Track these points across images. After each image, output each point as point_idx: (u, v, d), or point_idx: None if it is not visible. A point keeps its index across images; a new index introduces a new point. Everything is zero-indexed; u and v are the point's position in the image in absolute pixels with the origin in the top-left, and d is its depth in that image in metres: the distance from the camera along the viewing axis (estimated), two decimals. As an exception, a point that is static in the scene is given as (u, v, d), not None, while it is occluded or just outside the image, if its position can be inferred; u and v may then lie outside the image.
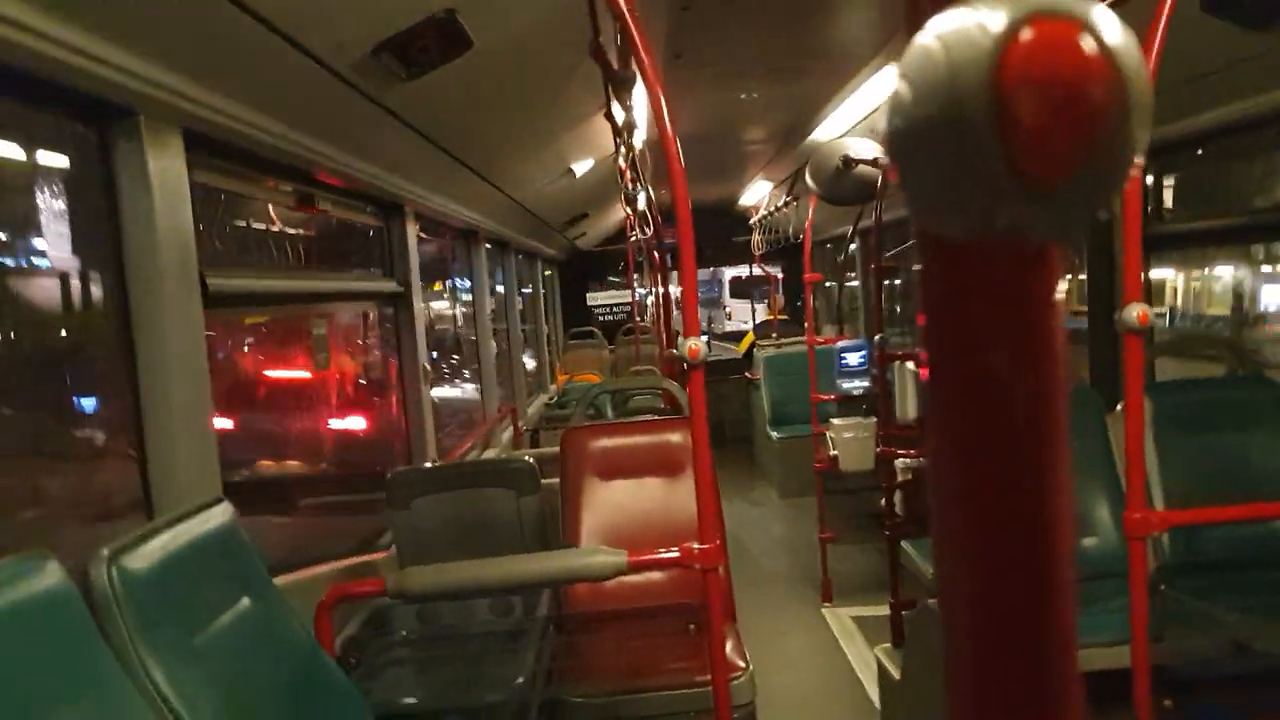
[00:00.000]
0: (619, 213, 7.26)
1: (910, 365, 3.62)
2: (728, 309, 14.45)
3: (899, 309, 7.47)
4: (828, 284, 9.43)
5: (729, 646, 2.52)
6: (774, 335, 7.93)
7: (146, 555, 1.50)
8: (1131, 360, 1.87)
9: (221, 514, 1.77)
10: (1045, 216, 0.28)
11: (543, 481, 2.91)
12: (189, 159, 1.93)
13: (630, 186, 4.68)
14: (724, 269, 12.67)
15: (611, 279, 10.15)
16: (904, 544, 3.51)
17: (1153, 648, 2.20)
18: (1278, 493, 2.63)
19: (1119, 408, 3.00)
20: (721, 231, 10.01)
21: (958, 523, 0.35)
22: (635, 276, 7.69)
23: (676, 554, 1.96)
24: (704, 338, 1.84)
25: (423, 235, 4.65)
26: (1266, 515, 2.25)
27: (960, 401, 0.34)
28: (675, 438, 3.03)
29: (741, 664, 2.43)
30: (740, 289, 12.26)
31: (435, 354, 5.31)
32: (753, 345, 8.32)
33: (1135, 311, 1.81)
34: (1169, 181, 3.67)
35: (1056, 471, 0.34)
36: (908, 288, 6.31)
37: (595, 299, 10.20)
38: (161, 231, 1.81)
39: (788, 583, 5.53)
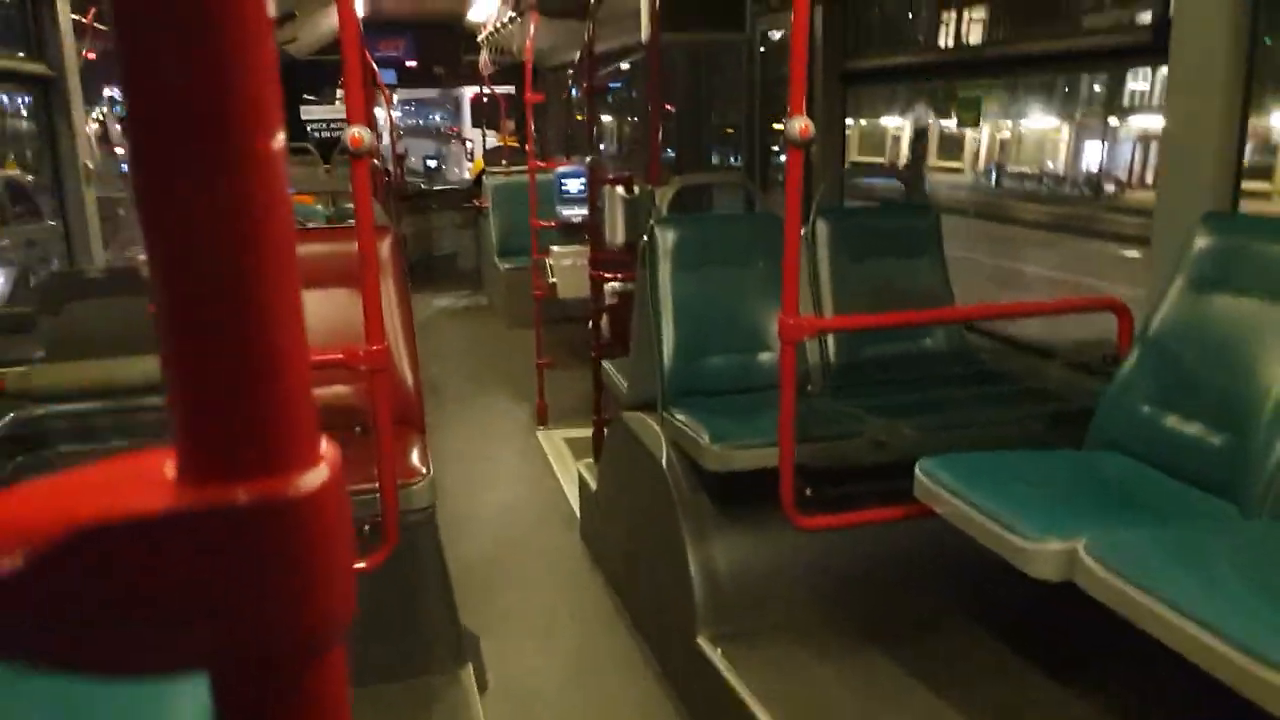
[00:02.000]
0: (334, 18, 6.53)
1: (620, 190, 3.61)
2: (469, 144, 13.23)
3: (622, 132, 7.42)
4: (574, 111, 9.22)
5: (414, 454, 2.49)
6: (504, 162, 7.70)
7: None
8: (791, 171, 1.93)
9: None
10: None
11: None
12: None
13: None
14: (464, 90, 11.91)
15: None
16: (605, 364, 3.60)
17: (807, 447, 2.43)
18: (928, 309, 2.94)
19: (803, 231, 3.18)
20: (453, 50, 9.38)
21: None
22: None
23: (340, 355, 1.87)
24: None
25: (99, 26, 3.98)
26: (900, 322, 2.48)
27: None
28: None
29: (423, 470, 2.40)
30: (481, 115, 11.60)
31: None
32: (482, 173, 8.04)
33: (798, 124, 1.86)
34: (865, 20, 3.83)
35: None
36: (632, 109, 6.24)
37: (310, 114, 9.34)
38: None
39: (508, 409, 5.61)
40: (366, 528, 2.11)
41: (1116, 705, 2.04)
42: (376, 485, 2.03)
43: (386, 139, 7.94)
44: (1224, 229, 2.10)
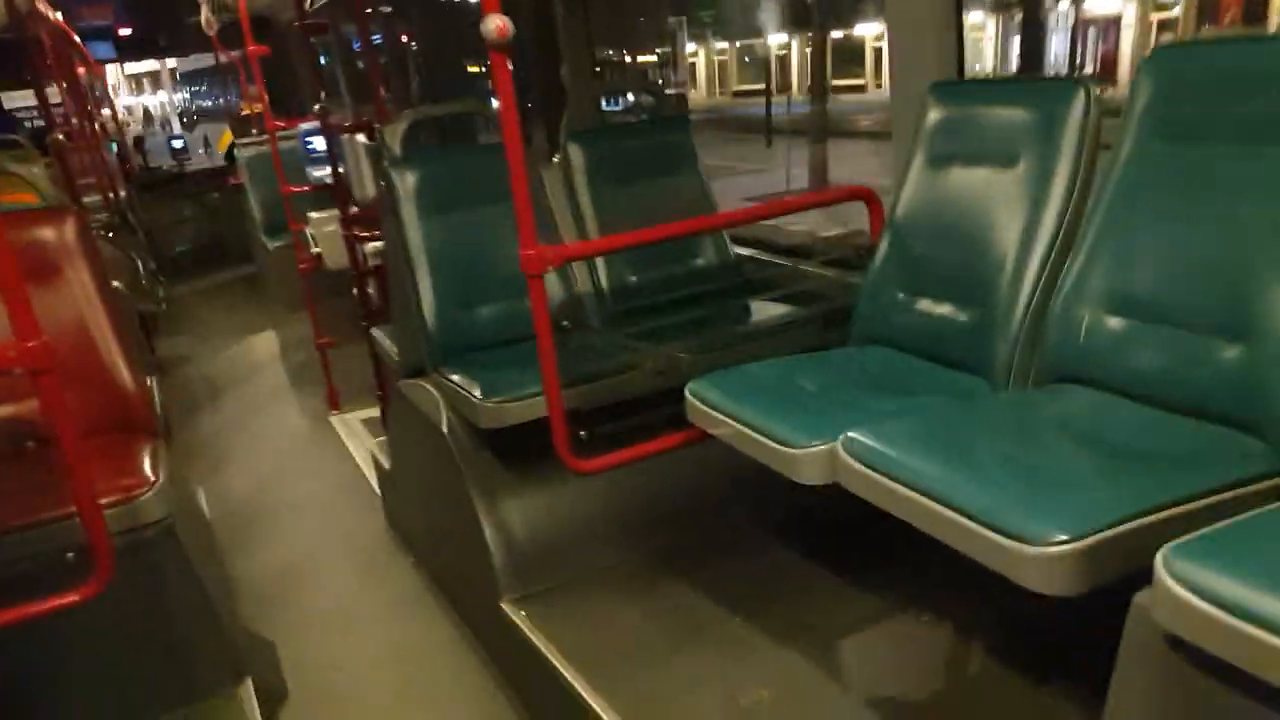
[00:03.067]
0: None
1: (361, 137, 3.30)
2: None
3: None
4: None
5: (142, 462, 2.18)
6: (254, 131, 7.05)
7: None
8: (499, 78, 1.74)
9: None
10: None
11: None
12: None
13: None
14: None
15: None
16: (374, 332, 3.33)
17: (581, 389, 2.30)
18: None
19: (555, 159, 3.01)
20: (172, 11, 8.43)
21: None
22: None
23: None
24: None
25: None
26: (652, 239, 2.37)
27: None
28: (47, 234, 2.45)
29: (151, 478, 2.10)
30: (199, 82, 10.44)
31: None
32: (232, 145, 7.34)
33: (493, 23, 1.67)
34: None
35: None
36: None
37: (14, 100, 8.19)
38: None
39: (297, 399, 5.23)
40: (70, 555, 1.81)
41: (907, 596, 2.06)
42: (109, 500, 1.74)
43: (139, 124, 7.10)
44: (952, 98, 2.08)
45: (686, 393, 2.03)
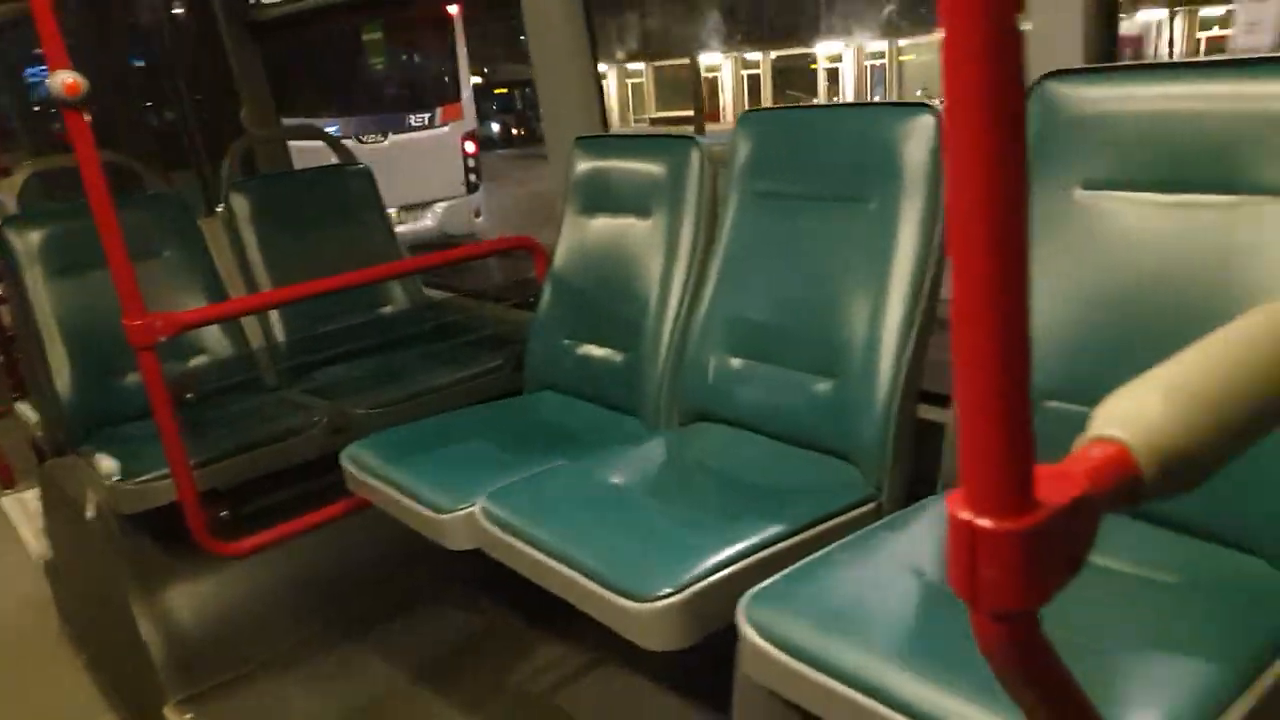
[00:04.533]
0: None
1: None
2: None
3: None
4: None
5: None
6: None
7: None
8: (78, 142, 1.56)
9: None
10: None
11: None
12: None
13: None
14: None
15: None
16: (18, 405, 2.94)
17: (239, 459, 2.12)
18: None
19: (219, 209, 2.79)
20: None
21: None
22: None
23: None
24: None
25: None
26: (302, 296, 2.23)
27: None
28: None
29: None
30: None
31: None
32: None
33: (61, 80, 1.49)
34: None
35: None
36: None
37: None
38: None
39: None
40: None
41: (582, 650, 2.05)
42: None
43: None
44: (595, 151, 2.13)
45: (342, 458, 1.92)
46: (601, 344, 2.05)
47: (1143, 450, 0.49)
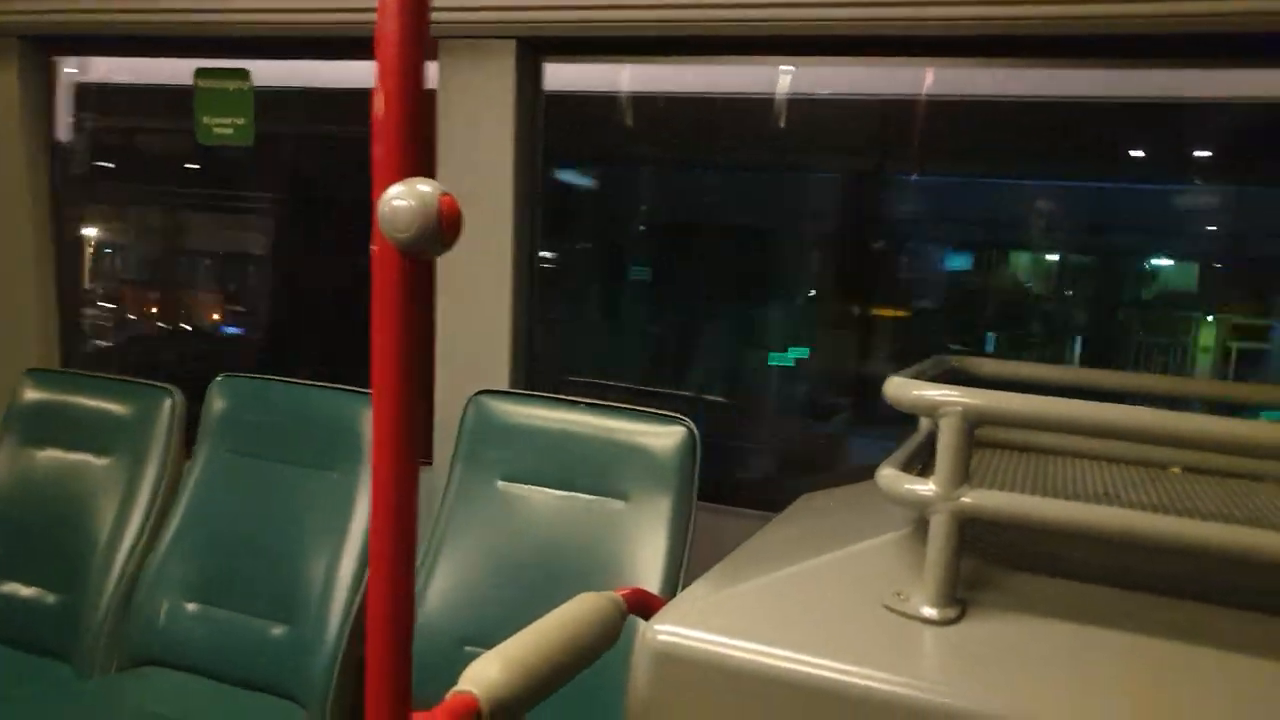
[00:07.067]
0: None
1: None
2: None
3: None
4: None
5: None
6: None
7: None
8: None
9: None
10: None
11: None
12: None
13: None
14: None
15: None
16: None
17: None
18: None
19: None
20: None
21: None
22: None
23: None
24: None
25: None
26: None
27: None
28: None
29: None
30: None
31: None
32: None
33: None
34: None
35: None
36: None
37: None
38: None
39: None
40: None
41: None
42: None
43: None
44: (50, 385, 2.09)
45: None
46: (35, 581, 1.93)
47: (485, 700, 0.80)
